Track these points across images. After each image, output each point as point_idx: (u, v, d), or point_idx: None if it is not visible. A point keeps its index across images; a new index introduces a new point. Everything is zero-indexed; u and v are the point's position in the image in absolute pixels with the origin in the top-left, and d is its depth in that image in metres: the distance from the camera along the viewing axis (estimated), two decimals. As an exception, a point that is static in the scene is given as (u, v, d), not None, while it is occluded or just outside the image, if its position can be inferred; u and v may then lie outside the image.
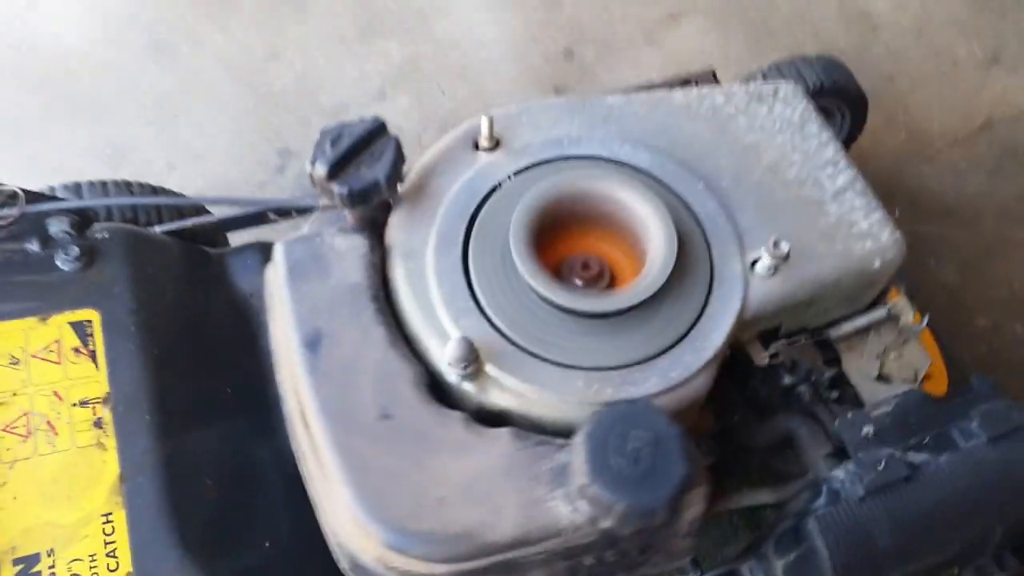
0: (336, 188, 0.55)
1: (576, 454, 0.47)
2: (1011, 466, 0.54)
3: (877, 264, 0.60)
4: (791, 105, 0.66)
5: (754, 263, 0.58)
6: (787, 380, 0.62)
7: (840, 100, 1.07)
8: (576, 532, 0.49)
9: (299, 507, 0.64)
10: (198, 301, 0.80)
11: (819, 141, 0.64)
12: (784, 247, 0.56)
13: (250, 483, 0.73)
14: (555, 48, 1.38)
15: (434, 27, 1.41)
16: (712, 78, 0.83)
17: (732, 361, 0.63)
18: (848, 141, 1.13)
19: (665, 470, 0.46)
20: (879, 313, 0.62)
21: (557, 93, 1.33)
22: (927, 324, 0.94)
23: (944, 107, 1.34)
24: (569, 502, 0.49)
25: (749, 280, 0.58)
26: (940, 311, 1.15)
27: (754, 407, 0.62)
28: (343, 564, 0.54)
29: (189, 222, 0.88)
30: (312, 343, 0.55)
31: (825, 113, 1.10)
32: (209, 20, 1.36)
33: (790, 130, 0.65)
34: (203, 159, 1.26)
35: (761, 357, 0.61)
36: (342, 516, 0.51)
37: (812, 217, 0.61)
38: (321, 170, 0.55)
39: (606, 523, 0.48)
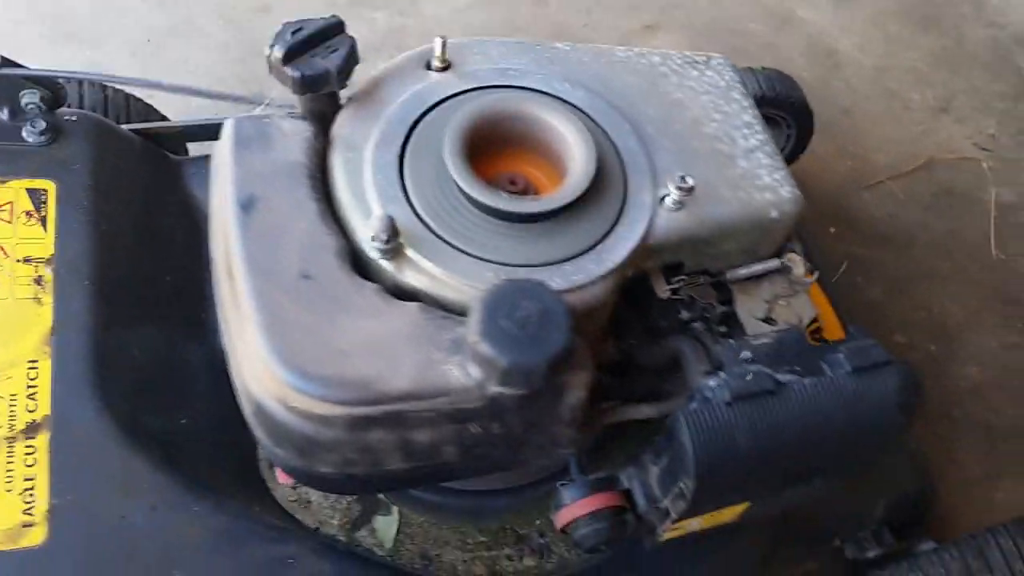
0: (290, 71, 0.60)
1: (470, 315, 0.52)
2: (865, 395, 0.59)
3: (774, 214, 0.66)
4: (720, 73, 0.72)
5: (664, 198, 0.64)
6: (684, 315, 0.67)
7: (787, 111, 1.15)
8: (464, 395, 0.54)
9: (221, 401, 0.68)
10: (152, 197, 0.84)
11: (740, 106, 0.71)
12: (689, 181, 0.62)
13: (176, 366, 0.77)
14: (535, 40, 1.45)
15: (423, 5, 1.48)
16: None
17: (636, 293, 0.68)
18: (795, 152, 1.20)
19: (547, 337, 0.51)
20: (773, 263, 0.68)
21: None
22: (831, 299, 1.01)
23: (892, 144, 1.42)
24: (462, 367, 0.54)
25: (657, 211, 0.63)
26: (862, 324, 1.21)
27: (652, 336, 0.68)
28: (247, 411, 0.58)
29: (154, 125, 0.92)
30: (247, 205, 0.59)
31: (774, 123, 1.18)
32: (209, -32, 1.42)
33: (715, 93, 0.71)
34: (182, 100, 1.31)
35: (663, 290, 0.67)
36: (252, 358, 0.55)
37: (722, 167, 0.67)
38: (279, 53, 0.60)
39: (492, 388, 0.53)
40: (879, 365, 0.61)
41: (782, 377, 0.58)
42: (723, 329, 0.66)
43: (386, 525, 0.81)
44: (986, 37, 1.60)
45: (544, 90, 0.67)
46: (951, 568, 0.84)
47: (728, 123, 0.69)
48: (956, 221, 1.35)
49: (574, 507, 0.65)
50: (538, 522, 0.82)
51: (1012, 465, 1.14)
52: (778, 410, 0.57)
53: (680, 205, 0.63)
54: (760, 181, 0.66)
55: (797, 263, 0.69)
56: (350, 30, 0.65)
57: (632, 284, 0.68)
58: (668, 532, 0.67)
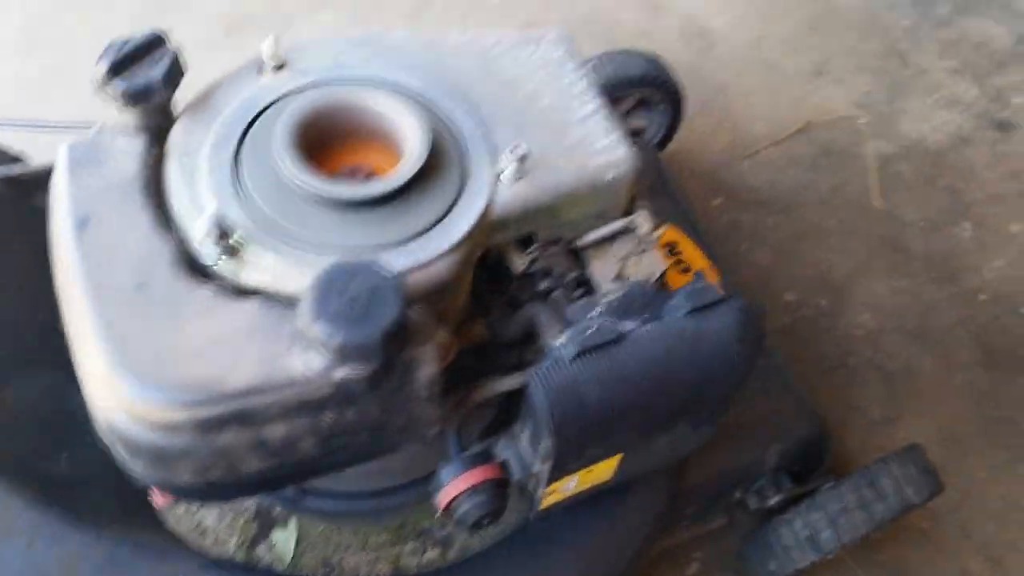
0: (115, 86, 0.60)
1: (302, 301, 0.52)
2: (705, 334, 0.61)
3: (611, 176, 0.67)
4: (554, 47, 0.74)
5: (502, 172, 0.65)
6: (542, 285, 0.68)
7: (658, 91, 1.18)
8: (310, 383, 0.54)
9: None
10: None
11: (574, 77, 0.73)
12: (522, 149, 0.63)
13: (59, 407, 0.76)
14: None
15: (299, 28, 1.48)
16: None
17: (497, 270, 0.69)
18: (670, 130, 1.23)
19: (378, 312, 0.51)
20: (619, 224, 0.70)
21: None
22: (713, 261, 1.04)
23: (769, 113, 1.47)
24: (303, 356, 0.54)
25: (497, 185, 0.65)
26: (752, 288, 1.25)
27: (512, 309, 0.69)
28: (101, 430, 0.57)
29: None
30: (81, 225, 0.59)
31: (647, 104, 1.21)
32: None
33: (549, 67, 0.73)
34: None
35: (519, 263, 0.68)
36: (95, 375, 0.55)
37: (558, 136, 0.68)
38: (102, 68, 0.60)
39: (336, 373, 0.53)
40: (715, 303, 0.63)
41: (624, 326, 0.60)
42: (580, 293, 0.68)
43: (284, 539, 0.80)
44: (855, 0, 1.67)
45: (379, 81, 0.68)
46: (847, 500, 0.87)
47: (563, 94, 0.71)
48: (837, 178, 1.40)
49: (451, 486, 0.66)
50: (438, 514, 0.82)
51: (909, 403, 1.19)
52: (623, 358, 0.59)
53: (518, 176, 0.65)
54: (595, 146, 0.68)
55: (643, 221, 0.71)
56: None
57: (492, 262, 0.69)
58: (546, 498, 0.68)
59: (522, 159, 0.64)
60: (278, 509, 0.81)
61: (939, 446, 1.15)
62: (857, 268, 1.30)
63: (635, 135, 1.20)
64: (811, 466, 0.97)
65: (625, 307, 0.63)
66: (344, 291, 0.52)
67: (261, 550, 0.79)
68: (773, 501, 0.91)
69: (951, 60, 1.58)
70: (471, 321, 0.70)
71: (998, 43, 1.60)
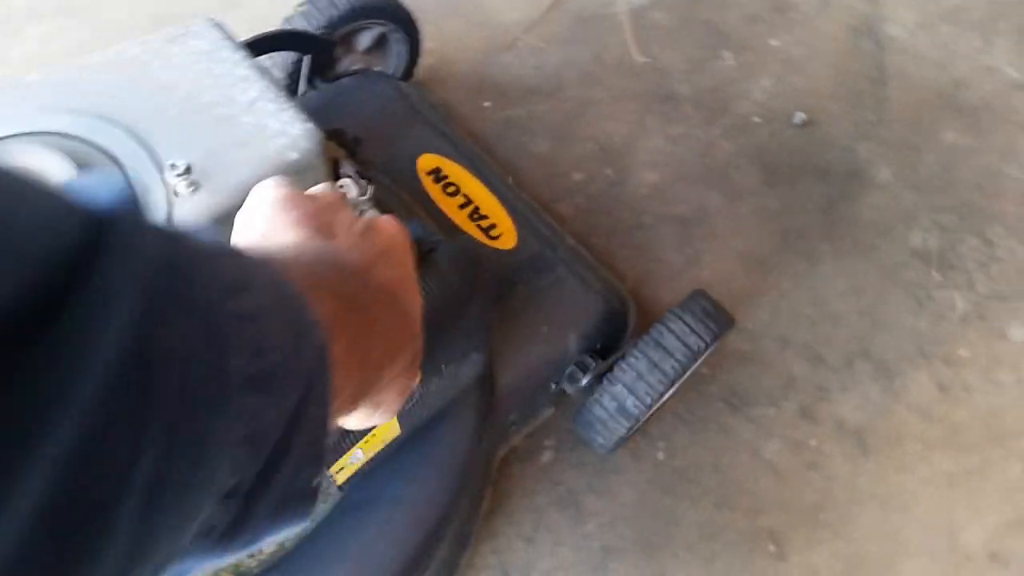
0: None
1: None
2: (425, 281, 0.64)
3: (295, 155, 0.68)
4: (203, 38, 0.73)
5: (176, 188, 0.65)
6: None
7: (388, 20, 1.16)
8: None
9: None
10: None
11: (231, 63, 0.72)
12: (181, 164, 0.63)
13: None
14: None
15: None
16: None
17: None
18: (411, 57, 1.22)
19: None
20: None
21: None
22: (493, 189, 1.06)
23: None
24: None
25: (174, 202, 0.64)
26: (538, 179, 1.28)
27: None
28: None
29: None
30: None
31: (385, 38, 1.20)
32: None
33: (203, 60, 0.72)
34: None
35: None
36: None
37: (227, 131, 0.68)
38: None
39: None
40: (432, 250, 0.66)
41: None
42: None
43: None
44: None
45: (25, 130, 0.66)
46: (639, 367, 0.93)
47: (222, 85, 0.70)
48: (596, 46, 1.42)
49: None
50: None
51: (707, 243, 1.26)
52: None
53: (194, 187, 0.65)
54: (269, 130, 0.68)
55: (349, 187, 0.72)
56: None
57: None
58: (339, 475, 0.71)
59: (187, 171, 0.63)
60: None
61: (744, 274, 1.24)
62: (632, 130, 1.34)
63: (379, 72, 1.19)
64: (616, 339, 1.03)
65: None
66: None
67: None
68: (584, 382, 0.97)
69: None
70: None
71: None
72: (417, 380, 0.47)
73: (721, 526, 1.06)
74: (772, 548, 1.05)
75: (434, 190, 1.03)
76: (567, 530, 1.05)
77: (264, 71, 0.72)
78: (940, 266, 1.26)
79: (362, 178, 0.73)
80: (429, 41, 1.31)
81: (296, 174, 0.69)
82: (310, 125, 0.69)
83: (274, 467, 0.28)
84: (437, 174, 1.05)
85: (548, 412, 1.05)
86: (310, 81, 1.09)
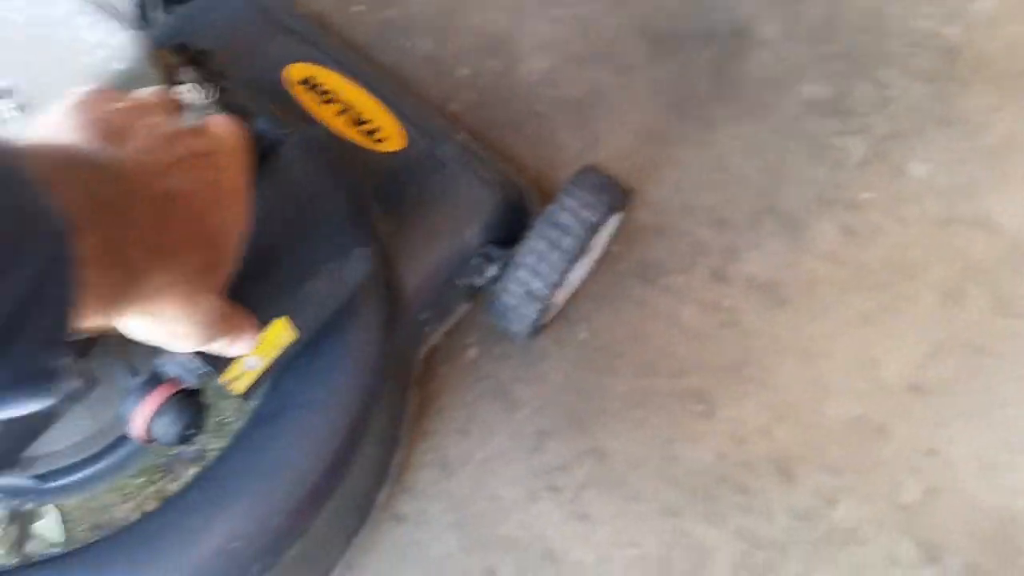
0: None
1: None
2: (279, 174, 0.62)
3: (120, 66, 0.64)
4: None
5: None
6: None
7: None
8: None
9: None
10: None
11: (38, -21, 0.67)
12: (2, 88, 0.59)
13: None
14: None
15: None
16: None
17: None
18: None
19: None
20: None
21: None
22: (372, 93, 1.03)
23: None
24: None
25: (2, 127, 0.61)
26: (425, 79, 1.25)
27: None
28: None
29: None
30: None
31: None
32: None
33: (8, -20, 0.67)
34: None
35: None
36: None
37: (45, 52, 0.64)
38: None
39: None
40: (277, 144, 0.63)
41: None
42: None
43: (49, 528, 0.81)
44: None
45: None
46: (539, 248, 0.93)
47: (34, 4, 0.66)
48: (465, -63, 1.37)
49: (138, 418, 0.67)
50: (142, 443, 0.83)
51: (602, 123, 1.24)
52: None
53: (21, 109, 0.61)
54: (88, 43, 0.64)
55: (191, 92, 0.69)
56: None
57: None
58: (237, 383, 0.70)
59: (9, 94, 0.60)
60: (29, 506, 0.81)
61: (643, 149, 1.23)
62: (512, 17, 1.31)
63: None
64: (518, 227, 1.01)
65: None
66: None
67: (32, 546, 0.80)
68: (491, 274, 0.96)
69: None
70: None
71: None
72: (216, 291, 0.48)
73: (647, 393, 1.08)
74: (699, 407, 1.07)
75: (307, 99, 0.99)
76: (500, 419, 1.06)
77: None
78: (835, 114, 1.27)
79: (209, 83, 0.70)
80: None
81: (126, 84, 0.66)
82: (133, 33, 0.66)
83: (5, 341, 0.31)
84: (309, 83, 1.01)
85: (464, 309, 1.05)
86: (165, 5, 1.04)
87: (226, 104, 0.69)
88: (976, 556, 0.97)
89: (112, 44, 0.64)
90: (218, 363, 0.67)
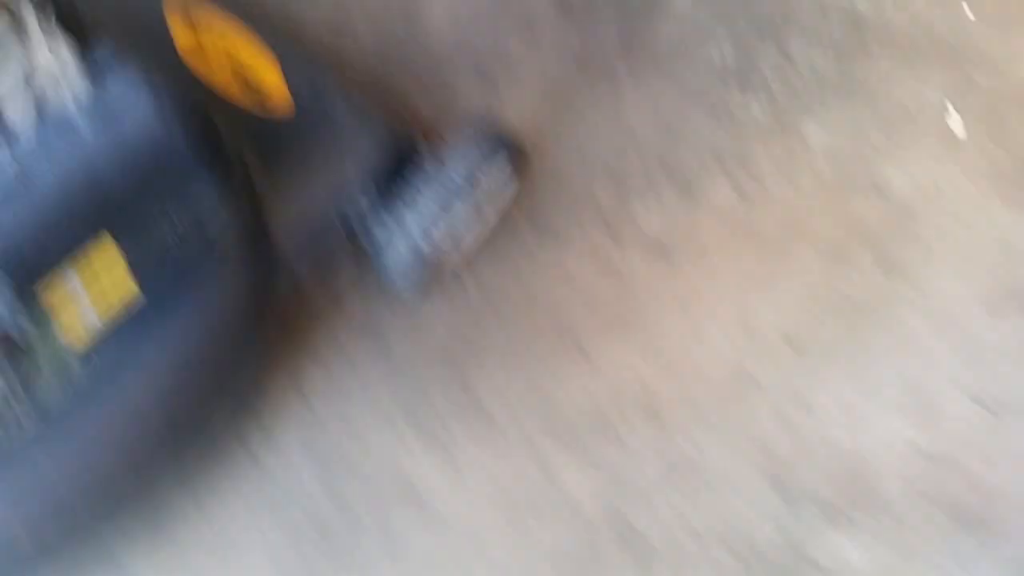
0: None
1: None
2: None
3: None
4: None
5: None
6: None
7: None
8: None
9: None
10: None
11: None
12: None
13: None
14: None
15: None
16: None
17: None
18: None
19: None
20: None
21: None
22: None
23: None
24: None
25: None
26: (328, 44, 1.26)
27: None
28: None
29: None
30: None
31: None
32: None
33: None
34: None
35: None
36: None
37: None
38: None
39: None
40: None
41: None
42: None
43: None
44: None
45: None
46: (422, 194, 0.95)
47: None
48: None
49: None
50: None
51: (508, 80, 1.25)
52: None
53: None
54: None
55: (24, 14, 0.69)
56: None
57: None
58: (69, 336, 0.71)
59: None
60: None
61: (546, 103, 1.25)
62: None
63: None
64: (403, 175, 1.02)
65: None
66: None
67: None
68: (365, 203, 0.97)
69: None
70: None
71: None
72: None
73: (529, 343, 1.10)
74: (578, 356, 1.09)
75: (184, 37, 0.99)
76: (380, 367, 1.07)
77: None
78: (739, 82, 1.29)
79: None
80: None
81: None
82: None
83: None
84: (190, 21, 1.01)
85: (349, 265, 1.06)
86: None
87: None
88: (833, 497, 1.00)
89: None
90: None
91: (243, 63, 1.02)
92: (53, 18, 0.70)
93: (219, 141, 0.83)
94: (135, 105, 0.71)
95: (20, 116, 0.68)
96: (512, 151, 0.98)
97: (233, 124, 0.93)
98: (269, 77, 1.02)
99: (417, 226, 0.96)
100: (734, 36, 1.32)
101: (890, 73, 1.29)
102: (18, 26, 0.69)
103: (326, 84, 1.04)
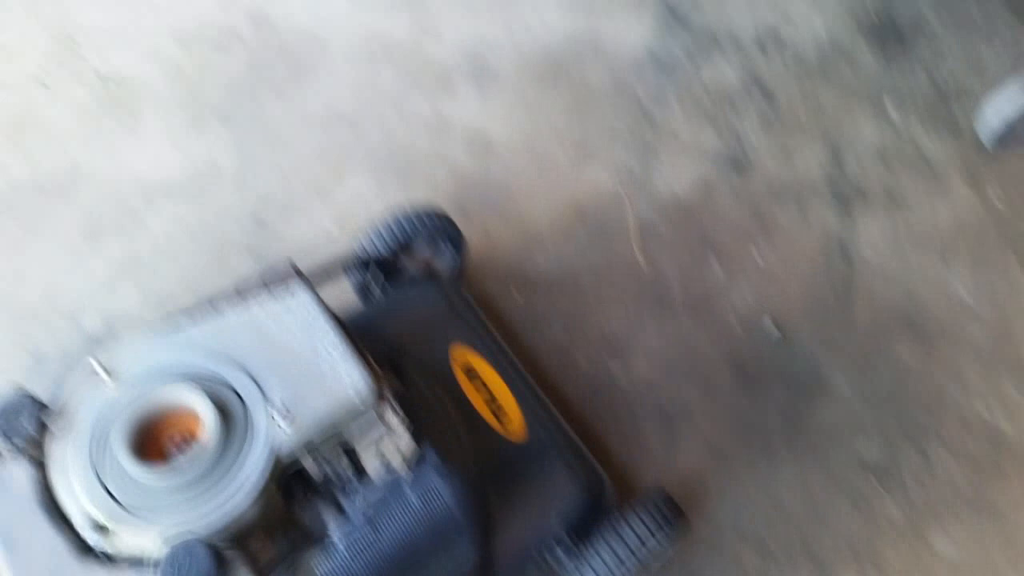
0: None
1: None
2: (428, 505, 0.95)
3: (357, 400, 0.96)
4: (298, 299, 1.02)
5: (276, 421, 0.93)
6: (329, 481, 0.98)
7: (442, 237, 1.47)
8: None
9: None
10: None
11: (315, 320, 1.00)
12: (278, 401, 0.92)
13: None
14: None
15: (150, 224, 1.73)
16: (292, 268, 1.16)
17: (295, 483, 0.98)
18: (459, 260, 1.52)
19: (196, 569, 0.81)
20: (377, 426, 0.99)
21: (251, 254, 1.68)
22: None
23: (547, 202, 1.77)
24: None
25: (275, 432, 0.93)
26: (553, 365, 1.56)
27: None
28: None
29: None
30: (7, 544, 0.86)
31: (436, 244, 1.49)
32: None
33: (297, 316, 1.01)
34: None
35: (315, 473, 0.97)
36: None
37: (311, 376, 0.96)
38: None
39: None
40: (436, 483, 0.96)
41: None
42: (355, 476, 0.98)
43: None
44: (605, 75, 1.97)
45: (183, 371, 0.96)
46: (603, 555, 1.19)
47: (308, 338, 0.98)
48: (608, 252, 1.71)
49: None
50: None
51: (684, 435, 1.51)
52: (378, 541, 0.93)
53: (290, 420, 0.93)
54: (340, 379, 0.96)
55: (389, 415, 0.99)
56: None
57: (292, 471, 0.97)
58: None
59: (285, 408, 0.92)
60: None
61: (712, 463, 1.49)
62: (632, 326, 1.62)
63: (433, 274, 1.49)
64: (594, 520, 1.27)
65: (379, 500, 0.94)
66: (180, 566, 0.81)
67: None
68: (563, 558, 1.22)
69: (690, 110, 1.91)
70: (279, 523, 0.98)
71: (729, 83, 1.94)
72: None
73: None
74: None
75: (462, 379, 1.30)
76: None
77: (334, 321, 1.01)
78: (880, 475, 1.49)
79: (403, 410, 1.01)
80: (475, 238, 1.63)
81: (360, 414, 0.98)
82: (367, 376, 0.96)
83: None
84: (470, 371, 1.33)
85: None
86: (383, 287, 1.40)
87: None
88: None
89: (356, 383, 0.96)
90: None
91: (494, 392, 1.32)
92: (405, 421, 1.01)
93: (487, 514, 1.12)
94: (441, 488, 0.99)
95: (374, 472, 0.98)
96: (677, 522, 1.23)
97: (483, 439, 1.23)
98: (510, 406, 1.31)
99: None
100: (883, 431, 1.53)
101: (1021, 499, 1.46)
102: (383, 415, 0.99)
103: (552, 422, 1.32)
